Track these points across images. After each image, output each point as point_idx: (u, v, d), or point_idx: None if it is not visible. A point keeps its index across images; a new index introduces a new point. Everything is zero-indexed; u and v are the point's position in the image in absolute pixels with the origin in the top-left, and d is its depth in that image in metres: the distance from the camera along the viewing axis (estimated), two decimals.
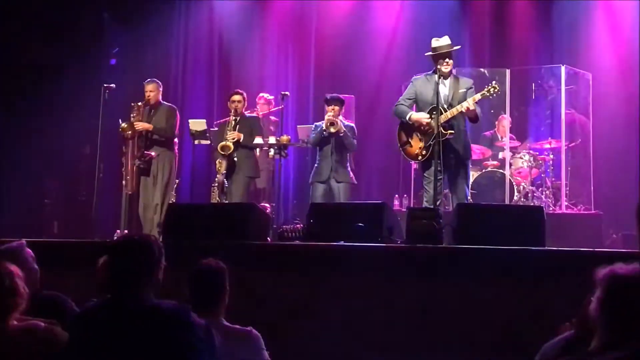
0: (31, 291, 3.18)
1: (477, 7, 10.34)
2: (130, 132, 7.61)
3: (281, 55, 10.64)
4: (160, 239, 6.01)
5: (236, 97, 7.99)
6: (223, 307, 3.46)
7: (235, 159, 7.80)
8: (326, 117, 7.88)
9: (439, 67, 6.45)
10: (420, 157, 6.57)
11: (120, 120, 7.69)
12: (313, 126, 8.22)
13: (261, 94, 9.14)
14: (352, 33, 10.44)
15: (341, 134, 7.80)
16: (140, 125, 7.65)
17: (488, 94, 6.45)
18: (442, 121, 6.28)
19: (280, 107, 8.32)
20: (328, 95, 8.23)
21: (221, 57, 10.45)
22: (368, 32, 10.48)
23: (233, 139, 7.77)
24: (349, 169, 8.06)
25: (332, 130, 7.80)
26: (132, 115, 7.72)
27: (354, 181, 8.14)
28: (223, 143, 7.77)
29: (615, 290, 2.23)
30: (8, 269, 2.86)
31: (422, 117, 6.50)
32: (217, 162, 7.85)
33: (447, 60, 6.52)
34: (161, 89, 8.01)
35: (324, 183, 7.89)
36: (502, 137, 9.33)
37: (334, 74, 10.39)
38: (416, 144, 6.57)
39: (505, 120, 9.24)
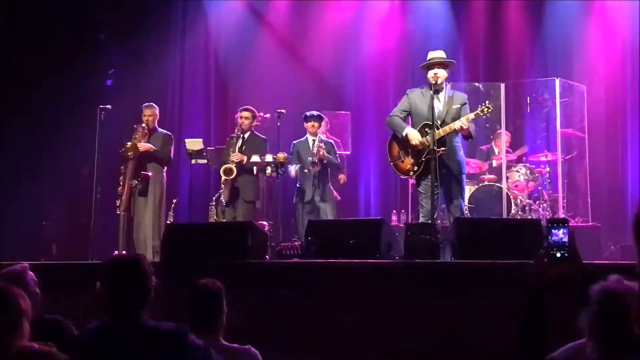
0: (32, 315, 3.16)
1: (471, 21, 10.40)
2: (132, 152, 7.62)
3: (278, 72, 10.65)
4: (158, 259, 6.03)
5: (245, 114, 7.97)
6: (221, 326, 3.46)
7: (238, 184, 7.81)
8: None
9: (428, 77, 6.47)
10: (411, 173, 6.55)
11: (124, 141, 7.72)
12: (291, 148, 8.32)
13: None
14: (347, 49, 10.47)
15: (324, 161, 7.96)
16: (143, 147, 7.66)
17: (482, 114, 6.43)
18: (435, 138, 6.24)
19: (276, 123, 8.30)
20: (307, 113, 8.35)
21: (218, 76, 10.46)
22: (363, 48, 10.51)
23: (235, 161, 7.77)
24: (330, 185, 8.24)
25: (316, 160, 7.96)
26: (134, 136, 7.73)
27: (338, 197, 8.29)
28: (226, 166, 7.76)
29: (606, 306, 2.25)
30: (18, 292, 2.78)
31: (416, 137, 6.40)
32: (221, 185, 7.82)
33: (435, 70, 6.44)
34: (158, 114, 8.03)
35: (309, 203, 8.00)
36: (498, 151, 9.34)
37: (330, 90, 10.41)
38: (408, 160, 6.52)
39: (504, 135, 9.23)
